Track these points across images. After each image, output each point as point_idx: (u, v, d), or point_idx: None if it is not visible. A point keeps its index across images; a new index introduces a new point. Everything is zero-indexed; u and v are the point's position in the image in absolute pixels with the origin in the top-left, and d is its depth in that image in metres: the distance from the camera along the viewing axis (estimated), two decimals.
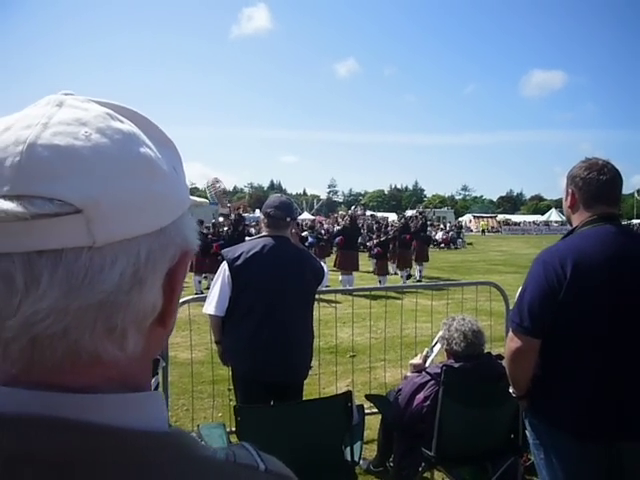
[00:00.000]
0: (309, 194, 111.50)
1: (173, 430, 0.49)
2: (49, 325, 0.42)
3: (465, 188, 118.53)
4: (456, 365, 2.96)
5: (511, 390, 2.28)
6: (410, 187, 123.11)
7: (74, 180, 0.42)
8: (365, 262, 15.55)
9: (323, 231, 19.66)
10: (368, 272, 15.01)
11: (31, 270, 0.41)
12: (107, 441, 0.44)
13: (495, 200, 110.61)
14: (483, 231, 49.57)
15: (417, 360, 3.52)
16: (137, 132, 0.49)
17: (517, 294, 2.25)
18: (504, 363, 2.33)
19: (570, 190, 2.22)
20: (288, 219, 3.18)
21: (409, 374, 3.38)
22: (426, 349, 3.65)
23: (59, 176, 0.41)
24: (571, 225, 2.26)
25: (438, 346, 3.48)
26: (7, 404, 0.43)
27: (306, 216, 39.68)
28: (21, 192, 0.41)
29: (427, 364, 3.45)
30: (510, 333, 2.17)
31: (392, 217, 33.41)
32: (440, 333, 3.22)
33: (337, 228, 15.53)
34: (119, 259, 0.44)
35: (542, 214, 67.63)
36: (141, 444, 0.45)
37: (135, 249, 0.45)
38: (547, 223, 57.50)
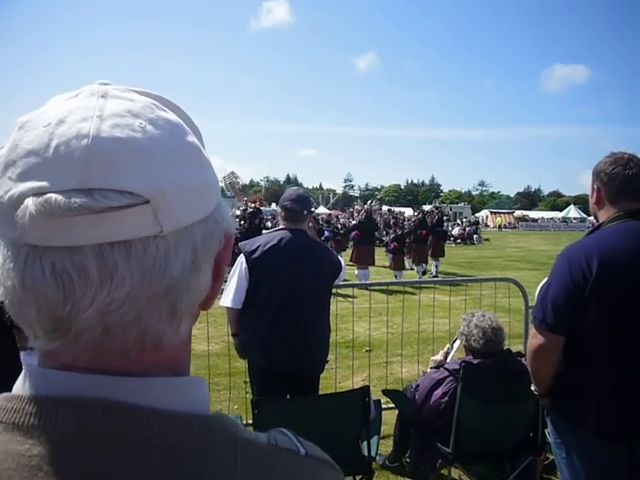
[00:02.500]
0: (325, 188, 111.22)
1: (216, 414, 0.50)
2: (123, 314, 0.44)
3: (482, 183, 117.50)
4: (475, 361, 2.93)
5: (533, 387, 2.25)
6: (427, 182, 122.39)
7: (139, 171, 0.43)
8: (381, 257, 15.50)
9: (339, 225, 19.61)
10: (384, 267, 14.97)
11: (104, 261, 0.42)
12: (156, 423, 0.45)
13: (512, 196, 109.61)
14: (500, 227, 49.07)
15: (438, 357, 3.49)
16: (181, 121, 0.50)
17: (536, 291, 2.21)
18: (525, 360, 2.29)
19: (595, 186, 2.18)
20: (305, 212, 3.16)
21: (428, 370, 3.35)
22: (447, 345, 3.62)
23: (126, 168, 0.43)
24: (598, 222, 2.21)
25: (458, 342, 3.45)
26: (65, 388, 0.45)
27: (322, 210, 39.63)
28: (92, 185, 0.41)
29: (448, 360, 3.42)
30: (533, 330, 2.14)
31: (408, 212, 33.13)
32: (460, 329, 3.19)
33: (353, 222, 15.48)
34: (180, 246, 0.46)
35: (560, 211, 66.68)
36: (188, 427, 0.46)
37: (192, 236, 0.47)
38: (565, 220, 56.68)
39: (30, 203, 0.41)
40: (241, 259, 3.07)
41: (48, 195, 0.40)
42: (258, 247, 3.04)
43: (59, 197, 0.40)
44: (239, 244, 3.17)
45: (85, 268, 0.42)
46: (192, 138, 0.49)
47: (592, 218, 2.26)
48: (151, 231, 0.43)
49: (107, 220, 0.41)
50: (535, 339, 2.10)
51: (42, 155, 0.42)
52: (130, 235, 0.42)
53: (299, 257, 3.05)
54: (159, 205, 0.43)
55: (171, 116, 0.49)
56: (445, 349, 3.57)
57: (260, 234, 3.63)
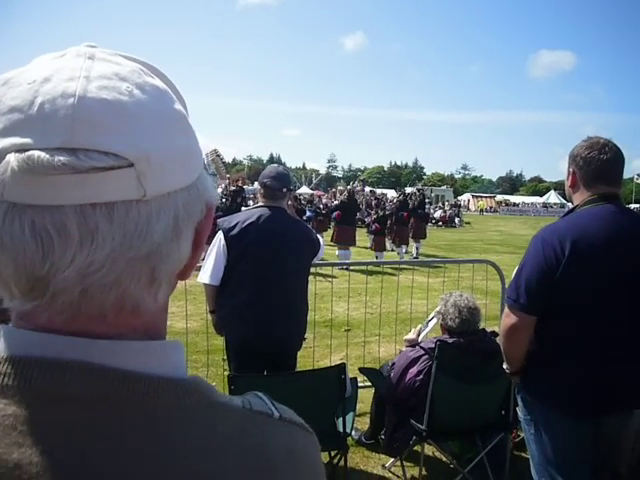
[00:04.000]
0: (308, 168, 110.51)
1: (192, 377, 0.50)
2: (102, 276, 0.44)
3: (465, 167, 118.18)
4: (450, 340, 2.97)
5: (505, 366, 2.29)
6: (410, 164, 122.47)
7: (125, 134, 0.43)
8: (363, 238, 15.54)
9: (321, 206, 19.56)
10: (365, 248, 15.01)
11: (85, 222, 0.42)
12: (132, 386, 0.45)
13: (494, 180, 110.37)
14: (481, 211, 49.44)
15: (411, 335, 3.53)
16: (167, 88, 0.50)
17: (514, 273, 2.24)
18: (499, 339, 2.33)
19: (571, 169, 2.20)
20: (284, 190, 3.15)
21: (404, 349, 3.39)
22: (420, 325, 3.66)
23: (112, 130, 0.42)
24: (573, 205, 2.24)
25: (434, 321, 3.49)
26: (40, 349, 0.45)
27: (305, 190, 39.45)
28: (76, 145, 0.41)
29: (420, 339, 3.47)
30: (506, 309, 2.17)
31: (391, 193, 33.14)
32: (437, 308, 3.23)
33: (335, 203, 15.45)
34: (163, 212, 0.46)
35: (541, 196, 67.32)
36: (164, 389, 0.47)
37: (175, 202, 0.47)
38: (545, 205, 57.25)
39: (12, 159, 0.40)
40: (219, 236, 3.05)
41: (31, 152, 0.40)
42: (237, 224, 3.03)
43: (42, 154, 0.40)
44: (217, 221, 3.15)
45: (66, 228, 0.41)
46: (178, 106, 0.49)
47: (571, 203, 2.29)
48: (134, 195, 0.43)
49: (90, 181, 0.41)
50: (508, 318, 2.13)
51: (26, 112, 0.42)
52: (113, 197, 0.42)
53: (278, 234, 3.05)
54: (143, 169, 0.43)
55: (158, 82, 0.49)
56: (418, 328, 3.62)
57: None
